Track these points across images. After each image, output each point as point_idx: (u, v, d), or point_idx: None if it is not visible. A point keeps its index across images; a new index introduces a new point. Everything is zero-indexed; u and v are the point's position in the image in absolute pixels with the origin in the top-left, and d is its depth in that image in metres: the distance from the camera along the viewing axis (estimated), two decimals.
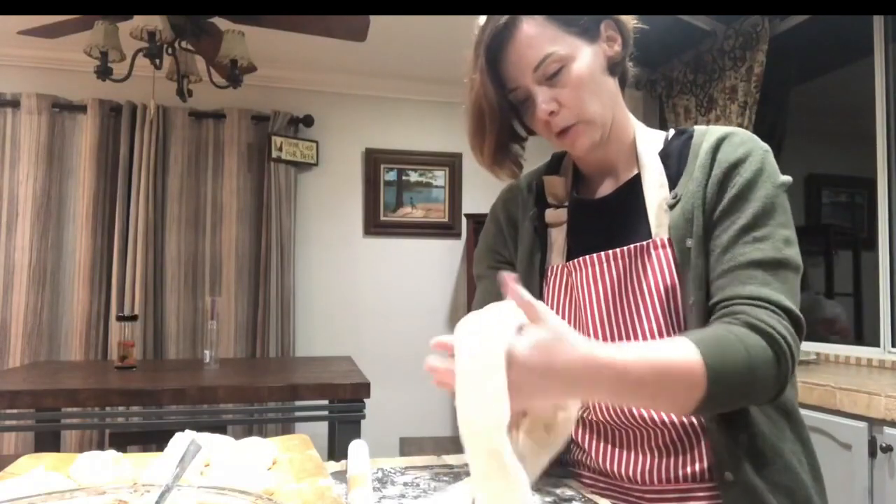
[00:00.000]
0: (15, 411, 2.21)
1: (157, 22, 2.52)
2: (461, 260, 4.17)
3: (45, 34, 2.69)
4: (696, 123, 3.47)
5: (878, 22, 2.73)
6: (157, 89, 3.01)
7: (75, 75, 3.56)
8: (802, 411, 0.93)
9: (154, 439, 2.65)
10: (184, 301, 3.67)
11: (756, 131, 1.72)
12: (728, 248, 0.85)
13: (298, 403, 2.37)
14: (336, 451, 2.40)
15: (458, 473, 0.95)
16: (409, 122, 4.15)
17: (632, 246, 0.91)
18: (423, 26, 3.27)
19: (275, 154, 3.75)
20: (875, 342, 2.66)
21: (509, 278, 0.70)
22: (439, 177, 4.16)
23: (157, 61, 2.53)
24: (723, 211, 0.87)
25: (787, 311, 0.81)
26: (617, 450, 0.93)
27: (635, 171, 0.96)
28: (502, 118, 0.93)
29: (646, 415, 0.89)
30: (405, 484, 0.90)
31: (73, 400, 2.20)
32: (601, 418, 0.94)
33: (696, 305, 0.85)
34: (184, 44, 2.68)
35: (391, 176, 4.11)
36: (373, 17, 2.66)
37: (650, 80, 3.86)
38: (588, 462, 0.98)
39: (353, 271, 4.04)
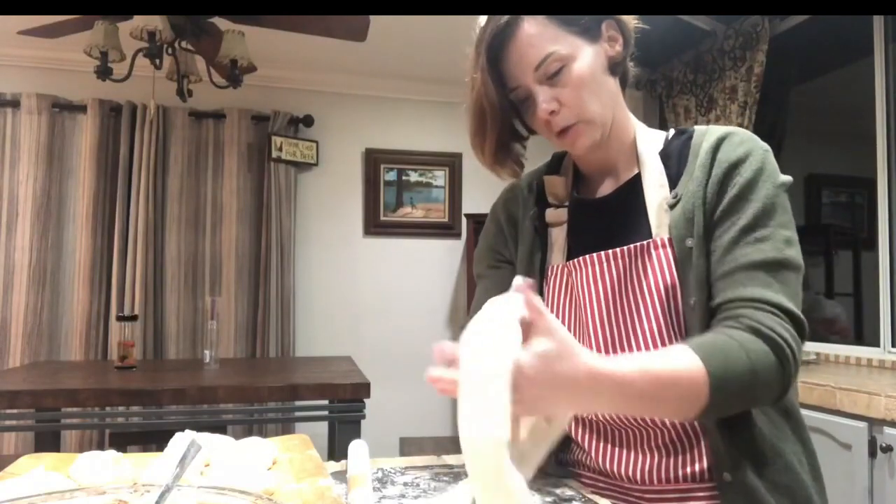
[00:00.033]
0: (15, 411, 2.21)
1: (157, 22, 2.52)
2: (461, 260, 4.17)
3: (45, 34, 2.69)
4: (696, 123, 3.47)
5: (878, 22, 2.73)
6: (157, 89, 3.01)
7: (75, 75, 3.56)
8: (802, 411, 0.93)
9: (154, 439, 2.65)
10: (184, 301, 3.67)
11: (756, 131, 1.72)
12: (729, 249, 0.85)
13: (298, 403, 2.37)
14: (336, 451, 2.40)
15: (458, 473, 0.95)
16: (409, 122, 4.15)
17: (632, 245, 0.91)
18: (423, 26, 3.27)
19: (275, 154, 3.76)
20: (875, 342, 2.66)
21: (526, 284, 0.69)
22: (439, 177, 4.16)
23: (157, 61, 2.53)
24: (723, 211, 0.87)
25: (788, 314, 0.81)
26: (617, 449, 0.93)
27: (635, 171, 0.96)
28: (503, 117, 0.93)
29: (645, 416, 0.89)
30: (405, 484, 0.90)
31: (73, 400, 2.20)
32: (601, 418, 0.94)
33: (698, 306, 0.85)
34: (184, 44, 2.68)
35: (391, 176, 4.11)
36: (373, 17, 2.66)
37: (650, 80, 3.86)
38: (588, 462, 0.98)
39: (353, 271, 4.04)
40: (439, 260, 4.16)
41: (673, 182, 0.93)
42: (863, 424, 1.96)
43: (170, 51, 2.63)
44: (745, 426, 0.85)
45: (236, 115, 3.78)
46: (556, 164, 1.09)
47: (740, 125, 3.09)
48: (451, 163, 4.14)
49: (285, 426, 3.52)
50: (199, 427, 0.89)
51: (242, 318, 3.73)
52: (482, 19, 0.91)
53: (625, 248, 0.92)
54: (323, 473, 0.78)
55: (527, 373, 0.66)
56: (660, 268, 0.89)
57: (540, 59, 0.88)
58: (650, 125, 1.03)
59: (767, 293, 0.81)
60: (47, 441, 2.73)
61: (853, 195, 3.16)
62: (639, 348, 0.90)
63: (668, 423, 0.88)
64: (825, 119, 3.40)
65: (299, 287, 3.92)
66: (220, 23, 2.66)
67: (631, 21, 0.95)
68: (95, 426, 3.14)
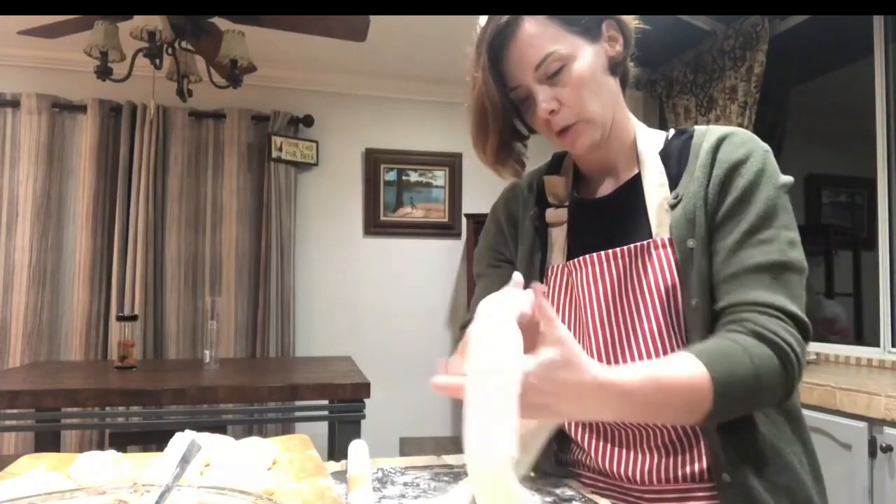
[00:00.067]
0: (15, 411, 2.21)
1: (157, 22, 2.52)
2: (461, 260, 4.17)
3: (45, 34, 2.69)
4: (696, 123, 3.47)
5: (878, 22, 2.73)
6: (157, 89, 3.01)
7: (75, 75, 3.56)
8: (802, 411, 0.93)
9: (154, 439, 2.65)
10: (184, 301, 3.67)
11: (756, 131, 1.72)
12: (732, 252, 0.85)
13: (298, 403, 2.37)
14: (336, 451, 2.40)
15: (457, 473, 0.95)
16: (409, 122, 4.15)
17: (632, 245, 0.91)
18: (423, 26, 3.27)
19: (275, 154, 3.76)
20: (875, 342, 2.66)
21: (538, 289, 0.71)
22: (439, 177, 4.16)
23: (157, 61, 2.53)
24: (726, 213, 0.87)
25: (792, 317, 0.81)
26: (617, 449, 0.93)
27: (635, 171, 0.96)
28: (504, 117, 0.93)
29: None
30: (405, 484, 0.90)
31: (73, 400, 2.20)
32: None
33: (700, 308, 0.85)
34: (184, 44, 2.68)
35: (391, 176, 4.11)
36: (373, 17, 2.66)
37: (650, 80, 3.86)
38: (588, 462, 0.98)
39: (353, 271, 4.04)
40: (439, 260, 4.16)
41: (673, 182, 0.93)
42: (863, 424, 1.96)
43: (170, 51, 2.63)
44: (744, 426, 0.85)
45: (236, 115, 3.78)
46: (557, 164, 1.09)
47: (740, 125, 3.08)
48: (451, 163, 4.14)
49: (285, 426, 3.52)
50: (199, 427, 0.89)
51: (242, 318, 3.73)
52: (483, 19, 0.91)
53: (625, 247, 0.92)
54: (323, 473, 0.78)
55: (533, 381, 0.67)
56: (660, 268, 0.89)
57: (540, 58, 0.88)
58: (650, 125, 1.03)
59: (771, 297, 0.81)
60: (47, 441, 2.73)
61: (853, 195, 3.16)
62: (639, 348, 0.90)
63: (668, 423, 0.88)
64: (825, 119, 3.40)
65: (299, 287, 3.92)
66: (220, 23, 2.66)
67: (631, 21, 0.95)
68: (95, 426, 3.14)
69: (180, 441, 0.79)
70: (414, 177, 4.14)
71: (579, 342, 0.93)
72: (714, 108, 3.36)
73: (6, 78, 3.57)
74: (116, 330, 3.02)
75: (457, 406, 0.69)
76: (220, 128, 3.81)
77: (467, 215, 4.06)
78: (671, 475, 0.89)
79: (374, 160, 4.08)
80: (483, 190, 3.85)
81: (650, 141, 0.98)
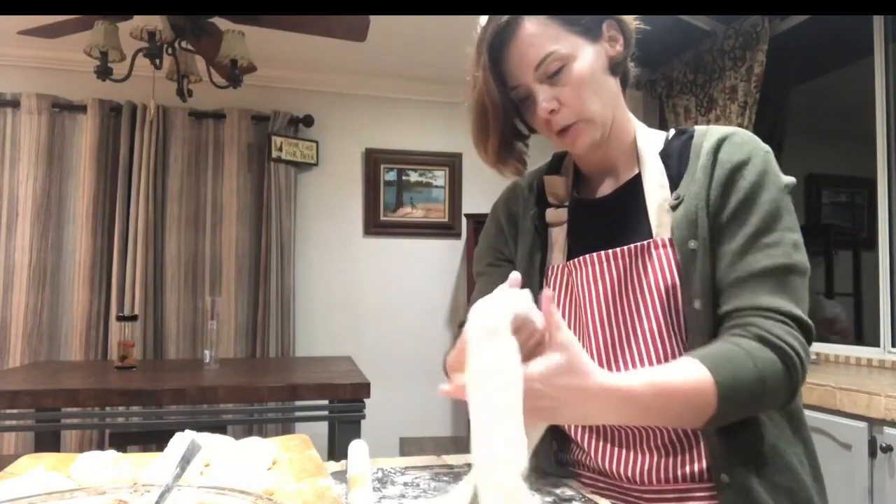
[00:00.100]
0: (15, 411, 2.21)
1: (157, 22, 2.52)
2: (461, 260, 4.17)
3: (45, 34, 2.69)
4: (696, 123, 3.47)
5: (878, 22, 2.73)
6: (157, 89, 3.01)
7: (75, 75, 3.56)
8: (804, 412, 0.94)
9: (154, 439, 2.65)
10: (184, 301, 3.67)
11: (756, 131, 1.72)
12: (738, 256, 0.85)
13: (298, 403, 2.37)
14: (336, 451, 2.40)
15: (457, 473, 0.95)
16: (409, 122, 4.15)
17: (632, 245, 0.91)
18: (423, 26, 3.27)
19: (275, 154, 3.76)
20: (875, 342, 2.66)
21: (546, 296, 0.71)
22: (439, 177, 4.16)
23: (157, 61, 2.53)
24: (730, 216, 0.87)
25: (796, 320, 0.82)
26: (616, 449, 0.93)
27: (636, 171, 0.96)
28: (505, 116, 0.94)
29: None
30: (405, 484, 0.90)
31: (73, 400, 2.20)
32: None
33: (703, 311, 0.85)
34: (184, 44, 2.68)
35: (391, 176, 4.11)
36: (373, 17, 2.66)
37: (650, 80, 3.86)
38: (588, 462, 0.98)
39: (353, 271, 4.04)
40: (439, 260, 4.16)
41: (674, 182, 0.93)
42: (863, 424, 1.96)
43: (170, 51, 2.63)
44: (745, 427, 0.85)
45: (236, 115, 3.78)
46: (557, 164, 1.09)
47: (740, 125, 3.08)
48: (451, 163, 4.14)
49: (285, 426, 3.52)
50: (199, 427, 0.89)
51: (242, 318, 3.73)
52: (483, 19, 0.92)
53: (625, 247, 0.92)
54: (323, 473, 0.78)
55: (537, 386, 0.68)
56: (660, 268, 0.89)
57: (540, 58, 0.88)
58: (650, 125, 1.03)
59: (776, 301, 0.82)
60: (47, 441, 2.73)
61: (853, 195, 3.16)
62: (638, 348, 0.90)
63: (672, 427, 0.88)
64: (825, 119, 3.40)
65: (299, 287, 3.92)
66: (220, 23, 2.66)
67: (632, 21, 0.95)
68: (95, 426, 3.14)
69: (180, 441, 0.79)
70: (414, 177, 4.14)
71: (579, 342, 0.93)
72: (714, 108, 3.36)
73: (6, 78, 3.57)
74: (116, 330, 3.02)
75: (457, 406, 0.70)
76: (220, 128, 3.81)
77: (467, 215, 4.06)
78: (671, 475, 0.89)
79: (374, 160, 4.08)
80: (483, 190, 3.85)
81: (650, 141, 0.98)
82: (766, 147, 0.90)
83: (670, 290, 0.88)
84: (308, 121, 3.93)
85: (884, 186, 2.66)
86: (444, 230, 4.16)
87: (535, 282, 1.01)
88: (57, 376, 2.51)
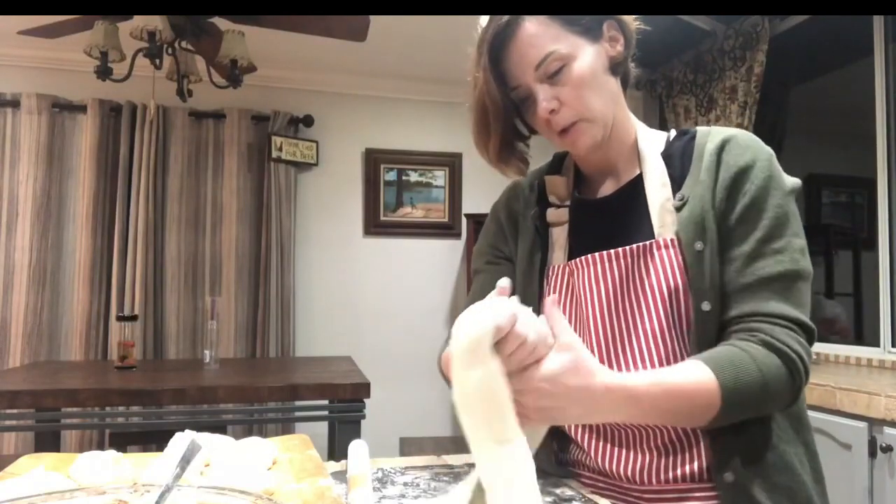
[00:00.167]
0: (15, 411, 2.21)
1: (157, 22, 2.52)
2: (461, 260, 4.17)
3: (45, 34, 2.69)
4: (696, 123, 3.47)
5: (878, 22, 2.73)
6: (157, 89, 3.01)
7: (75, 75, 3.56)
8: (808, 413, 0.94)
9: (154, 439, 2.65)
10: (184, 301, 3.67)
11: (756, 131, 1.72)
12: (746, 262, 0.86)
13: (298, 403, 2.37)
14: (336, 451, 2.40)
15: (458, 473, 0.95)
16: (409, 122, 4.15)
17: (634, 246, 0.91)
18: (423, 26, 3.27)
19: (275, 154, 3.76)
20: (875, 342, 2.66)
21: (550, 303, 0.73)
22: (439, 177, 4.16)
23: (157, 61, 2.53)
24: (737, 220, 0.88)
25: (801, 325, 0.84)
26: (616, 449, 0.93)
27: (637, 172, 0.97)
28: (505, 116, 0.94)
29: None
30: (405, 484, 0.90)
31: (73, 400, 2.20)
32: None
33: (713, 314, 0.86)
34: (184, 44, 2.68)
35: (391, 176, 4.11)
36: (373, 17, 2.66)
37: (650, 80, 3.86)
38: (587, 462, 0.98)
39: (353, 271, 4.04)
40: (439, 260, 4.16)
41: (676, 183, 0.93)
42: (863, 424, 1.96)
43: (170, 51, 2.63)
44: (747, 427, 0.85)
45: (236, 115, 3.78)
46: (558, 164, 1.09)
47: (740, 125, 3.09)
48: (451, 163, 4.14)
49: (285, 426, 3.52)
50: (199, 427, 0.89)
51: (242, 318, 3.73)
52: (484, 19, 0.92)
53: (627, 248, 0.92)
54: (323, 473, 0.78)
55: (544, 385, 0.70)
56: (663, 268, 0.89)
57: (540, 58, 0.88)
58: (650, 125, 1.03)
59: (782, 307, 0.83)
60: (47, 441, 2.73)
61: (853, 195, 3.16)
62: (640, 348, 0.90)
63: (676, 426, 0.89)
64: (825, 119, 3.40)
65: (299, 287, 3.92)
66: (220, 23, 2.66)
67: (632, 21, 0.95)
68: (95, 426, 3.14)
69: (180, 441, 0.79)
70: (414, 177, 4.14)
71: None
72: (714, 108, 3.36)
73: (6, 78, 3.57)
74: (116, 330, 3.02)
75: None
76: (220, 128, 3.81)
77: (467, 215, 4.06)
78: (671, 475, 0.89)
79: (374, 160, 4.08)
80: (483, 190, 3.85)
81: (651, 142, 0.98)
82: (770, 150, 0.91)
83: (673, 291, 0.88)
84: (308, 121, 3.93)
85: (884, 186, 2.66)
86: (444, 230, 4.16)
87: (534, 281, 1.01)
88: (57, 376, 2.51)
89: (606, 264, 0.93)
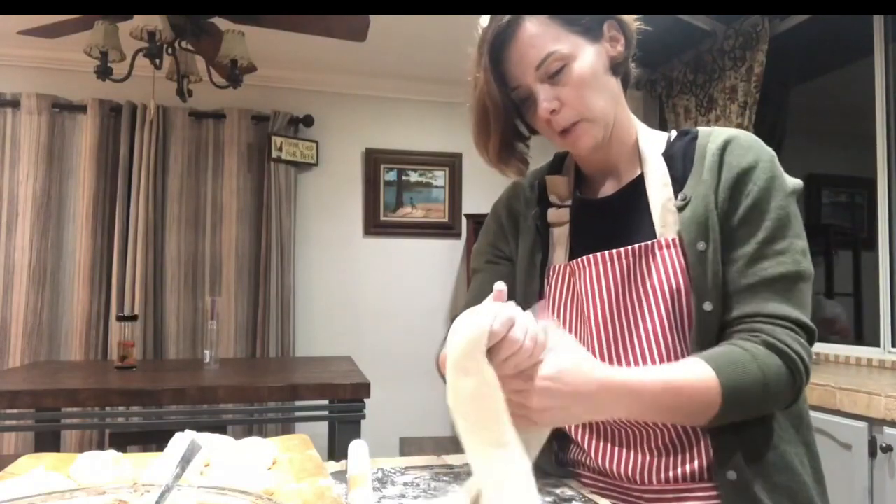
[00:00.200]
0: (15, 411, 2.21)
1: (157, 22, 2.52)
2: (461, 260, 4.17)
3: (45, 34, 2.69)
4: (696, 123, 3.47)
5: (878, 22, 2.73)
6: (157, 89, 3.01)
7: (75, 75, 3.56)
8: (809, 413, 0.94)
9: (154, 439, 2.65)
10: (184, 301, 3.67)
11: (756, 131, 1.72)
12: (748, 263, 0.86)
13: (298, 403, 2.37)
14: (336, 451, 2.40)
15: (458, 473, 0.95)
16: (409, 122, 4.15)
17: (636, 245, 0.91)
18: (423, 26, 3.27)
19: (275, 154, 3.76)
20: (875, 342, 2.66)
21: (543, 308, 0.75)
22: (439, 177, 4.16)
23: (157, 61, 2.53)
24: (739, 221, 0.88)
25: (802, 326, 0.84)
26: (616, 449, 0.93)
27: (638, 172, 0.97)
28: (506, 117, 0.94)
29: None
30: (405, 484, 0.90)
31: (73, 400, 2.20)
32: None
33: (715, 314, 0.86)
34: (184, 44, 2.68)
35: (391, 176, 4.11)
36: (373, 17, 2.66)
37: (650, 80, 3.86)
38: (588, 462, 0.98)
39: (353, 271, 4.04)
40: (439, 260, 4.16)
41: (678, 183, 0.93)
42: (863, 424, 1.96)
43: (170, 51, 2.63)
44: (746, 426, 0.85)
45: (236, 115, 3.78)
46: (558, 164, 1.09)
47: (740, 125, 3.09)
48: (451, 163, 4.14)
49: (285, 426, 3.52)
50: (199, 427, 0.89)
51: (242, 318, 3.73)
52: (485, 19, 0.92)
53: (629, 248, 0.92)
54: (323, 473, 0.78)
55: (547, 384, 0.71)
56: (664, 268, 0.89)
57: (541, 58, 0.89)
58: (650, 125, 1.03)
59: (784, 308, 0.84)
60: (47, 441, 2.73)
61: (853, 195, 3.16)
62: (641, 347, 0.90)
63: (668, 423, 0.89)
64: (825, 119, 3.40)
65: (299, 287, 3.92)
66: (220, 23, 2.66)
67: (632, 21, 0.95)
68: (95, 426, 3.14)
69: (180, 441, 0.79)
70: (414, 177, 4.14)
71: (581, 342, 0.94)
72: (714, 108, 3.36)
73: (6, 78, 3.57)
74: (116, 330, 3.02)
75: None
76: (220, 128, 3.81)
77: (467, 215, 4.06)
78: (671, 474, 0.89)
79: (374, 160, 4.08)
80: (483, 190, 3.84)
81: (652, 142, 0.98)
82: (771, 151, 0.91)
83: (675, 291, 0.88)
84: (308, 121, 3.93)
85: (884, 186, 2.66)
86: (444, 230, 4.16)
87: (535, 281, 1.01)
88: (57, 376, 2.51)
89: (608, 264, 0.93)
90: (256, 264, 3.77)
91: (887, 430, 1.89)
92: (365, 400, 2.31)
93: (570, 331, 0.97)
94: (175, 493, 0.61)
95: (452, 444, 0.70)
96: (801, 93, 3.37)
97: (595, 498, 0.86)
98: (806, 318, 0.85)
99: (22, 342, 3.45)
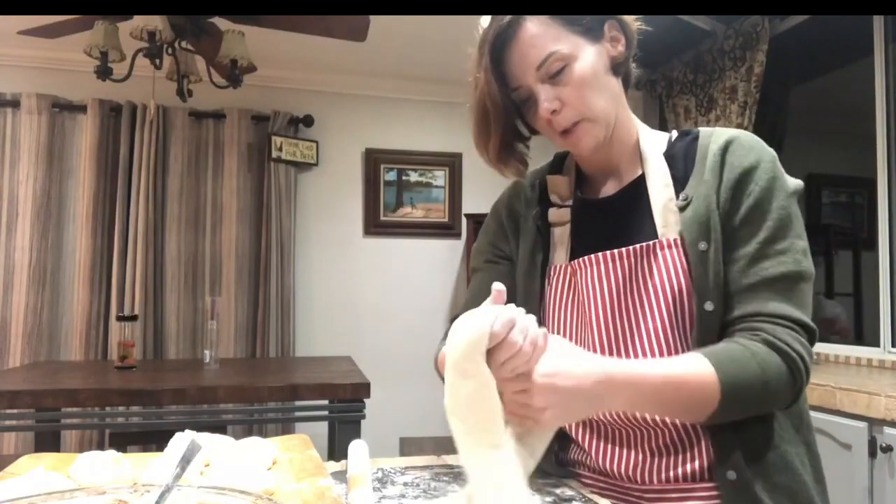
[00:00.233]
0: (15, 411, 2.21)
1: (157, 22, 2.52)
2: (461, 260, 4.17)
3: (45, 34, 2.69)
4: (696, 123, 3.47)
5: (878, 22, 2.73)
6: (157, 89, 3.01)
7: (75, 75, 3.56)
8: (810, 413, 0.94)
9: (154, 439, 2.65)
10: (184, 301, 3.67)
11: (756, 131, 1.72)
12: (750, 262, 0.87)
13: (298, 403, 2.37)
14: (336, 451, 2.40)
15: (457, 473, 0.95)
16: (409, 122, 4.15)
17: (638, 245, 0.91)
18: (423, 26, 3.27)
19: (275, 154, 3.75)
20: (875, 342, 2.66)
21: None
22: (439, 177, 4.16)
23: (157, 61, 2.53)
24: (741, 221, 0.88)
25: (803, 325, 0.85)
26: (617, 449, 0.93)
27: (639, 172, 0.97)
28: (506, 117, 0.94)
29: (647, 415, 0.89)
30: (405, 484, 0.90)
31: (73, 400, 2.20)
32: (601, 418, 0.94)
33: (716, 313, 0.86)
34: (184, 44, 2.68)
35: (391, 176, 4.11)
36: (373, 17, 2.66)
37: (650, 80, 3.86)
38: (588, 462, 0.98)
39: (353, 271, 4.04)
40: (439, 260, 4.16)
41: (679, 184, 0.93)
42: (863, 424, 1.96)
43: (170, 51, 2.63)
44: (747, 425, 0.86)
45: (236, 115, 3.78)
46: (559, 163, 1.09)
47: (740, 125, 3.09)
48: (451, 163, 4.14)
49: (285, 426, 3.52)
50: (199, 427, 0.89)
51: (242, 318, 3.73)
52: (485, 19, 0.92)
53: (630, 248, 0.92)
54: (323, 473, 0.78)
55: (547, 381, 0.71)
56: (666, 268, 0.89)
57: (542, 58, 0.88)
58: (650, 125, 1.03)
59: (785, 308, 0.84)
60: (47, 441, 2.73)
61: (853, 195, 3.16)
62: (643, 348, 0.90)
63: (668, 423, 0.89)
64: (825, 119, 3.40)
65: (299, 287, 3.92)
66: (220, 23, 2.66)
67: (633, 21, 0.95)
68: (95, 426, 3.14)
69: (180, 441, 0.79)
70: (414, 177, 4.14)
71: (582, 342, 0.94)
72: (714, 108, 3.36)
73: (6, 78, 3.57)
74: (116, 330, 3.02)
75: None
76: (220, 128, 3.81)
77: (467, 215, 4.06)
78: (671, 474, 0.89)
79: (374, 160, 4.08)
80: (483, 190, 3.84)
81: (653, 142, 0.98)
82: (773, 152, 0.92)
83: (677, 291, 0.88)
84: (308, 121, 3.93)
85: (884, 186, 2.66)
86: (444, 230, 4.16)
87: (536, 281, 1.01)
88: (57, 376, 2.51)
89: (609, 264, 0.93)
90: (256, 264, 3.77)
91: (887, 430, 1.89)
92: (365, 400, 2.31)
93: (571, 331, 0.97)
94: (175, 493, 0.61)
95: (452, 444, 0.70)
96: (801, 93, 3.37)
97: (595, 498, 0.86)
98: (807, 318, 0.85)
99: (22, 342, 3.45)
